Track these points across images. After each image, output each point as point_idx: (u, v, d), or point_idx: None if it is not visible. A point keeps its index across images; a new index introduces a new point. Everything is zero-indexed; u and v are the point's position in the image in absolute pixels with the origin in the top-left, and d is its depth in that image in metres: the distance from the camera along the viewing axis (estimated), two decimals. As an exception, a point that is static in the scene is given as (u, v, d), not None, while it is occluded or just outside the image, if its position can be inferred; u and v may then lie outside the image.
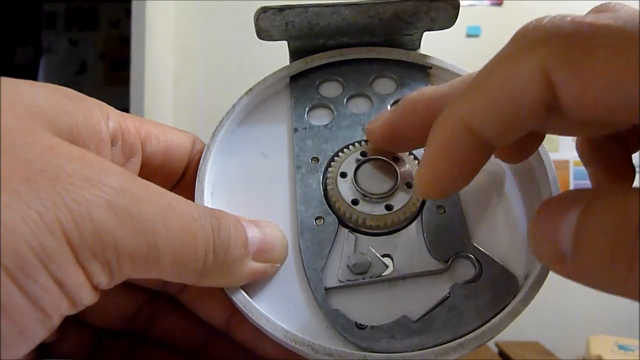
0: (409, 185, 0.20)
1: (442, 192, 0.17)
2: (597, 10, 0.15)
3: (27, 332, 0.13)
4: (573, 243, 0.13)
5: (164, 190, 0.17)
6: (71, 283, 0.14)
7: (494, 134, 0.15)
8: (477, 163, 0.17)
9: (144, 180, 0.16)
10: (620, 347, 1.29)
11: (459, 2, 0.21)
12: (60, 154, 0.15)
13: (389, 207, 0.20)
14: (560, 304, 1.35)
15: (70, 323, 0.22)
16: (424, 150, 0.17)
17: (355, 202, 0.20)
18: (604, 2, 0.16)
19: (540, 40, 0.14)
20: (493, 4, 1.65)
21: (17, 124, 0.15)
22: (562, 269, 0.14)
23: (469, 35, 1.62)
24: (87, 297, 0.15)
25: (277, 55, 0.26)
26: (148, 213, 0.15)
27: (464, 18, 1.61)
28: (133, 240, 0.15)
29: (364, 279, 0.19)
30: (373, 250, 0.20)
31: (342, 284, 0.19)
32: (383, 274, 0.19)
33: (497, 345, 1.43)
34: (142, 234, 0.15)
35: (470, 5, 1.62)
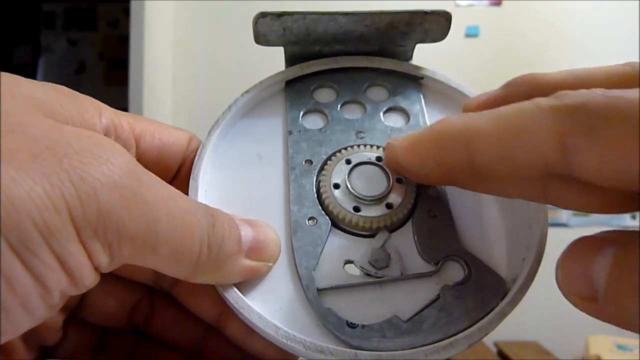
0: (399, 181, 0.21)
1: (402, 164, 0.19)
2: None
3: (29, 305, 0.13)
4: (606, 281, 0.13)
5: (163, 181, 0.17)
6: (72, 261, 0.14)
7: (486, 168, 0.15)
8: (453, 175, 0.17)
9: (145, 169, 0.16)
10: (619, 346, 1.30)
11: (451, 16, 0.22)
12: (68, 133, 0.15)
13: (389, 206, 0.20)
14: (559, 304, 1.36)
15: (72, 323, 0.22)
16: (427, 128, 0.18)
17: (357, 209, 0.20)
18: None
19: (562, 108, 0.14)
20: (492, 4, 1.65)
21: (20, 109, 0.15)
22: (591, 307, 0.14)
23: (467, 35, 1.62)
24: (88, 277, 0.15)
25: (275, 56, 0.26)
26: (153, 198, 0.15)
27: (463, 18, 1.61)
28: (135, 223, 0.15)
29: (383, 274, 0.19)
30: (394, 246, 0.20)
31: (334, 284, 0.19)
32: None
33: (496, 345, 1.43)
34: (144, 219, 0.15)
35: (469, 5, 1.62)
